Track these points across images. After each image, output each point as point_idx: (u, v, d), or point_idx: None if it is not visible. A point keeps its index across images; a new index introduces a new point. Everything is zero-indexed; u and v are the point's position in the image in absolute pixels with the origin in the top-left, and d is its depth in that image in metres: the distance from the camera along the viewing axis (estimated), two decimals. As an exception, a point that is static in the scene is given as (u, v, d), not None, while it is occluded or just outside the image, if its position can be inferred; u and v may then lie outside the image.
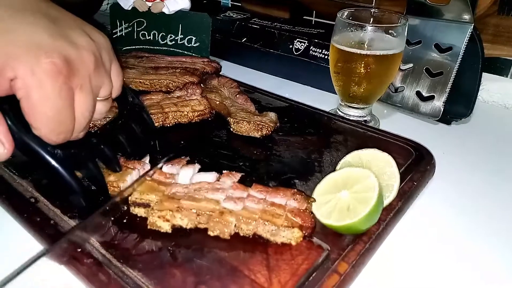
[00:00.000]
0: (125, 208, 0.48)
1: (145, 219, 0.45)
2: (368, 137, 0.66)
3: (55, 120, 0.38)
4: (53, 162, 0.41)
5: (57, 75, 0.36)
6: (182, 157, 0.54)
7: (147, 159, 0.54)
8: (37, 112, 0.37)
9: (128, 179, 0.49)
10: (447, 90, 0.72)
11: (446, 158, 0.65)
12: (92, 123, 0.45)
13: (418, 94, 0.76)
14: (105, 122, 0.50)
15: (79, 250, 0.42)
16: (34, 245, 0.44)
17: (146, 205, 0.47)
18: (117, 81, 0.46)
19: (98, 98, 0.43)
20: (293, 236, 0.43)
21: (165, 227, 0.45)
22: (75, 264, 0.40)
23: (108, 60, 0.43)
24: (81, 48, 0.39)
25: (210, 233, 0.44)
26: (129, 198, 0.48)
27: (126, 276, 0.39)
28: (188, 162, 0.53)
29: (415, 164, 0.58)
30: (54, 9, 0.41)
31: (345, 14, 0.70)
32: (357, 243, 0.44)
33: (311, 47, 0.89)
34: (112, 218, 0.47)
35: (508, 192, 0.60)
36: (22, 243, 0.45)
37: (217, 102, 0.72)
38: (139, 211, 0.47)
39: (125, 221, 0.47)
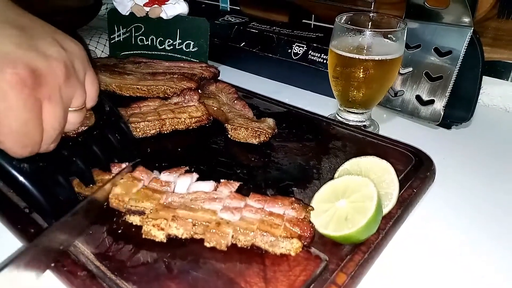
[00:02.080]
0: (105, 206, 0.47)
1: (140, 229, 0.45)
2: (367, 142, 0.65)
3: (20, 132, 0.36)
4: (20, 177, 0.39)
5: (22, 86, 0.35)
6: (182, 166, 0.54)
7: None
8: (0, 125, 0.36)
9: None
10: (447, 94, 0.71)
11: (447, 163, 0.65)
12: (65, 134, 0.43)
13: (418, 98, 0.75)
14: (79, 131, 0.48)
15: (72, 258, 0.41)
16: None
17: (141, 213, 0.46)
18: (92, 91, 0.44)
19: (70, 109, 0.41)
20: (292, 246, 0.42)
21: (160, 236, 0.44)
22: (69, 276, 0.40)
23: (81, 69, 0.42)
24: (50, 58, 0.38)
25: (207, 244, 0.43)
26: (123, 206, 0.47)
27: (121, 289, 0.39)
28: (186, 171, 0.53)
29: (415, 171, 0.57)
30: (25, 18, 0.40)
31: (344, 18, 0.70)
32: (355, 253, 0.43)
33: (310, 51, 0.88)
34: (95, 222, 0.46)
35: (510, 197, 0.59)
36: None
37: (215, 108, 0.71)
38: (134, 220, 0.47)
39: (120, 231, 0.46)
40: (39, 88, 0.36)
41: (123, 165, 0.53)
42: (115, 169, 0.52)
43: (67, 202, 0.44)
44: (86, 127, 0.49)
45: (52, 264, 0.41)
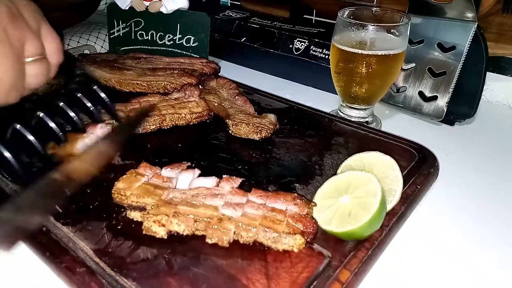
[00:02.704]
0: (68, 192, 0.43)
1: (140, 225, 0.44)
2: (370, 139, 0.65)
3: None
4: None
5: None
6: (184, 162, 0.53)
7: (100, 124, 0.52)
8: None
9: (79, 147, 0.47)
10: (451, 90, 0.70)
11: (450, 159, 0.64)
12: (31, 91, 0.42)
13: (421, 94, 0.74)
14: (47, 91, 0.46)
15: (71, 255, 0.41)
16: (26, 252, 0.43)
17: (142, 209, 0.46)
18: (52, 43, 0.42)
19: (27, 59, 0.40)
20: (295, 243, 0.42)
21: (161, 233, 0.43)
22: (67, 273, 0.39)
23: (33, 18, 0.40)
24: None
25: (208, 240, 0.43)
26: (125, 201, 0.46)
27: (120, 285, 0.38)
28: (188, 167, 0.52)
29: (418, 167, 0.56)
30: None
31: (346, 13, 0.69)
32: (359, 250, 0.42)
33: (312, 47, 0.87)
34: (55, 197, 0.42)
35: (514, 195, 0.58)
36: (13, 251, 0.44)
37: (216, 104, 0.70)
38: (135, 215, 0.46)
39: (119, 227, 0.45)
40: None
41: (99, 125, 0.51)
42: (89, 129, 0.50)
43: (38, 161, 0.42)
44: (54, 87, 0.47)
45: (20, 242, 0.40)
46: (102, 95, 0.50)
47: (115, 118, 0.52)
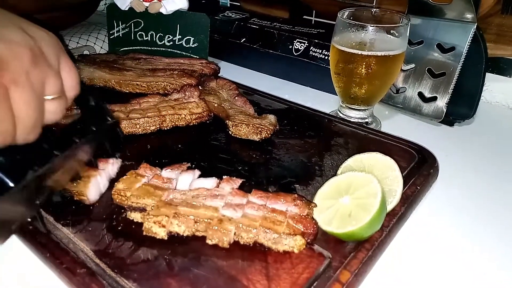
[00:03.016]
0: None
1: (141, 226, 0.44)
2: (369, 139, 0.65)
3: None
4: None
5: None
6: (184, 163, 0.53)
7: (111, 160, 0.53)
8: None
9: (91, 184, 0.48)
10: (450, 91, 0.70)
11: (449, 160, 0.64)
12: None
13: (420, 95, 0.74)
14: (62, 125, 0.47)
15: (72, 256, 0.41)
16: (27, 253, 0.43)
17: (142, 210, 0.46)
18: (70, 78, 0.43)
19: (47, 97, 0.40)
20: (295, 244, 0.42)
21: (161, 234, 0.43)
22: (68, 274, 0.39)
23: (52, 55, 0.40)
24: (13, 43, 0.36)
25: (209, 241, 0.43)
26: (125, 202, 0.46)
27: (121, 286, 0.38)
28: (188, 168, 0.52)
29: (418, 168, 0.56)
30: None
31: (346, 14, 0.69)
32: (359, 251, 0.42)
33: (311, 48, 0.87)
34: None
35: (513, 195, 0.58)
36: (14, 252, 0.44)
37: (215, 105, 0.70)
38: (135, 216, 0.46)
39: (120, 228, 0.45)
40: (1, 72, 0.35)
41: (110, 161, 0.52)
42: (102, 165, 0.51)
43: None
44: (70, 120, 0.48)
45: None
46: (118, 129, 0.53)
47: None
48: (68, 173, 0.47)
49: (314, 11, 1.04)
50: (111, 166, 0.53)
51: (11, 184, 0.38)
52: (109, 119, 0.51)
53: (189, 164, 0.53)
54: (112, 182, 0.51)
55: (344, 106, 0.74)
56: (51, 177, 0.43)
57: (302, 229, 0.42)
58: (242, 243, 0.43)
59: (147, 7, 0.90)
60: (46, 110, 0.40)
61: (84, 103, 0.48)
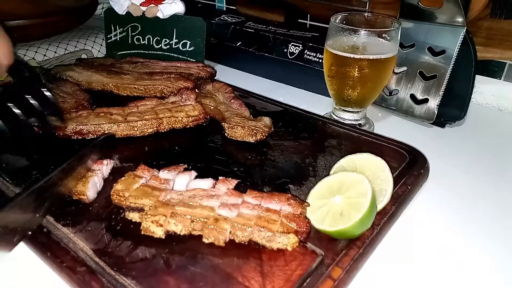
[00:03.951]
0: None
1: (139, 225, 0.45)
2: (362, 141, 0.66)
3: None
4: None
5: None
6: (180, 164, 0.55)
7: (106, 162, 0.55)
8: None
9: (90, 184, 0.50)
10: (441, 93, 0.72)
11: (440, 161, 0.66)
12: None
13: (412, 97, 0.76)
14: None
15: (72, 255, 0.42)
16: (28, 253, 0.44)
17: (140, 210, 0.47)
18: (3, 47, 0.44)
19: None
20: (289, 241, 0.43)
21: (159, 233, 0.44)
22: (68, 272, 0.40)
23: None
24: None
25: (205, 240, 0.44)
26: (124, 203, 0.48)
27: (120, 284, 0.39)
28: (185, 169, 0.54)
29: (409, 168, 0.58)
30: None
31: (339, 18, 0.70)
32: (351, 248, 0.44)
33: (306, 51, 0.89)
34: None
35: (503, 194, 0.60)
36: (15, 252, 0.45)
37: (212, 107, 0.72)
38: (134, 216, 0.47)
39: (118, 228, 0.47)
40: None
41: (104, 162, 0.54)
42: (96, 166, 0.54)
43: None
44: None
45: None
46: (47, 94, 0.52)
47: (60, 116, 0.56)
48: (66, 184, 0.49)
49: (308, 15, 1.05)
50: (105, 167, 0.55)
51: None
52: (42, 87, 0.52)
53: (185, 166, 0.54)
54: (106, 181, 0.54)
55: (337, 108, 0.76)
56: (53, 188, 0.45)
57: (296, 228, 0.44)
58: (237, 241, 0.44)
59: (144, 11, 0.91)
60: None
61: (17, 73, 0.50)
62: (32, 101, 0.51)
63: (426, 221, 0.54)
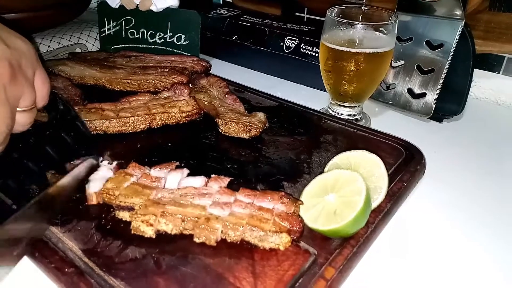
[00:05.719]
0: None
1: (129, 224, 0.44)
2: (359, 136, 0.65)
3: None
4: None
5: None
6: (172, 161, 0.54)
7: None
8: None
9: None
10: (439, 87, 0.71)
11: (438, 156, 0.65)
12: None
13: (410, 91, 0.75)
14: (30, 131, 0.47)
15: (60, 255, 0.41)
16: (24, 260, 0.43)
17: (130, 209, 0.46)
18: (43, 90, 0.43)
19: (18, 109, 0.40)
20: (281, 241, 0.42)
21: (149, 232, 0.44)
22: (56, 273, 0.40)
23: (30, 68, 0.41)
24: None
25: (196, 239, 0.43)
26: (114, 201, 0.47)
27: (109, 285, 0.39)
28: (176, 167, 0.53)
29: (405, 164, 0.57)
30: None
31: (335, 12, 0.69)
32: (344, 247, 0.43)
33: (302, 45, 0.87)
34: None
35: (501, 189, 0.59)
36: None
37: (206, 103, 0.71)
38: (124, 215, 0.46)
39: (108, 227, 0.46)
40: None
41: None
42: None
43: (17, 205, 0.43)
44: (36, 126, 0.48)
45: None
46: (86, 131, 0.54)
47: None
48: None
49: (306, 8, 1.04)
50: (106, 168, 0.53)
51: (14, 207, 0.39)
52: (79, 123, 0.53)
53: (177, 163, 0.54)
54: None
55: (334, 103, 0.74)
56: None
57: (288, 227, 0.43)
58: (229, 241, 0.43)
59: (137, 4, 0.90)
60: (16, 121, 0.41)
61: (51, 108, 0.49)
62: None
63: (422, 218, 0.54)
